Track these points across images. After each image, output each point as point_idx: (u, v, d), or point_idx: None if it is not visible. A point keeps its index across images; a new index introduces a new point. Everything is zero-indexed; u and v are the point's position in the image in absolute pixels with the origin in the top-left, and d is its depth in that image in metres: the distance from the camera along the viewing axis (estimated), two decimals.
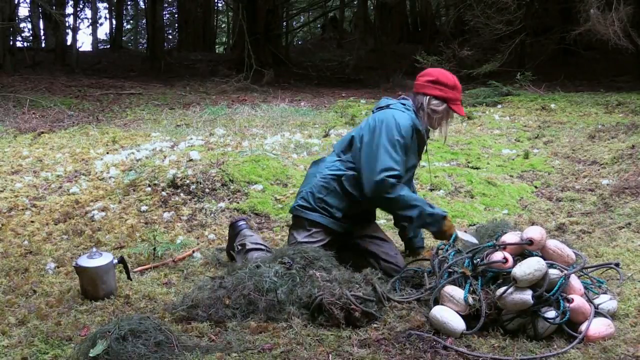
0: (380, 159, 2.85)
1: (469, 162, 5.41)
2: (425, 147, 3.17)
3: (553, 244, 2.57)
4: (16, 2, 15.89)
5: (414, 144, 3.01)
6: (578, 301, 2.37)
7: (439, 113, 3.01)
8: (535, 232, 2.53)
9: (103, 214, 3.96)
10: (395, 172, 2.83)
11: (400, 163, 2.87)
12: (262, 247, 3.09)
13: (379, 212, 3.58)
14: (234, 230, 3.26)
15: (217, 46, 25.66)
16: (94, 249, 2.89)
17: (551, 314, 2.32)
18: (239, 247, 3.10)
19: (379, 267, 2.99)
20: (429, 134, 3.22)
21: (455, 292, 2.47)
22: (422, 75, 3.08)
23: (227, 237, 3.67)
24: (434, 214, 2.89)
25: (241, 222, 3.29)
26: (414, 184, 3.40)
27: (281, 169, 4.70)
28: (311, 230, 3.02)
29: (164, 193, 4.22)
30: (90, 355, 2.09)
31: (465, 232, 3.10)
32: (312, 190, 3.04)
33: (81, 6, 19.62)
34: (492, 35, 10.87)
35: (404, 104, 3.05)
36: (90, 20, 21.67)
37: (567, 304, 2.34)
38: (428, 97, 3.00)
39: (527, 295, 2.32)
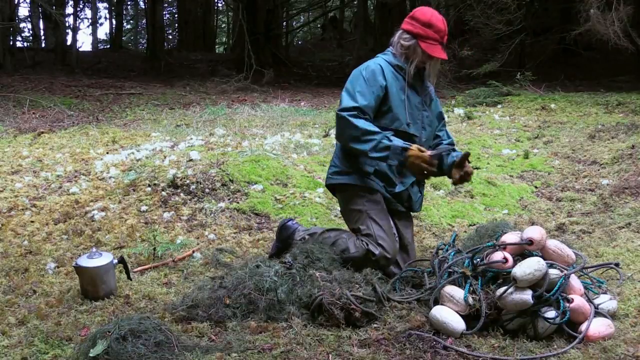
0: (341, 99, 2.88)
1: (468, 162, 5.40)
2: (426, 91, 3.07)
3: (553, 244, 2.57)
4: (16, 2, 15.89)
5: (395, 79, 2.93)
6: (578, 301, 2.37)
7: (407, 49, 2.93)
8: (535, 232, 2.53)
9: (103, 214, 3.96)
10: (352, 106, 2.80)
11: (363, 96, 2.82)
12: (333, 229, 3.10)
13: None
14: (287, 230, 3.18)
15: (217, 46, 25.64)
16: (94, 249, 2.89)
17: (551, 314, 2.32)
18: (307, 236, 3.06)
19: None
20: (424, 74, 3.05)
21: (455, 292, 2.47)
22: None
23: (226, 237, 3.68)
24: (391, 145, 2.73)
25: (291, 222, 3.24)
26: (445, 136, 3.22)
27: (281, 169, 4.70)
28: (365, 198, 2.96)
29: (164, 193, 4.22)
30: (90, 355, 2.09)
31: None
32: (336, 154, 3.09)
33: (81, 6, 19.62)
34: (492, 35, 10.88)
35: (384, 52, 3.06)
36: (90, 20, 21.68)
37: (567, 304, 2.34)
38: (400, 31, 2.99)
39: (527, 295, 2.32)
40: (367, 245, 2.89)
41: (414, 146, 2.76)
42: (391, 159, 2.78)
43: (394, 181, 3.00)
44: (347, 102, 2.85)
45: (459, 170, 2.96)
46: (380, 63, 2.96)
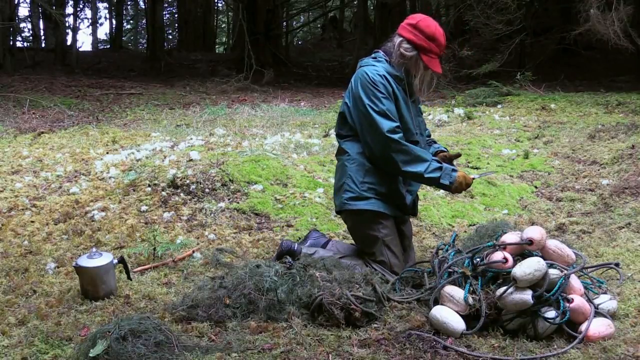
0: (377, 123, 2.79)
1: (469, 162, 5.41)
2: (415, 97, 3.05)
3: (553, 244, 2.57)
4: (16, 2, 15.89)
5: (398, 90, 2.90)
6: (578, 301, 2.37)
7: (408, 59, 2.87)
8: (535, 232, 2.53)
9: (103, 214, 3.96)
10: (396, 126, 2.80)
11: (394, 116, 2.82)
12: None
13: None
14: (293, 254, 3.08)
15: (217, 46, 25.65)
16: (94, 249, 2.89)
17: (551, 314, 2.32)
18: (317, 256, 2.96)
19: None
20: (414, 85, 3.02)
21: (455, 292, 2.47)
22: (408, 17, 2.97)
23: (226, 237, 3.67)
24: (442, 166, 2.81)
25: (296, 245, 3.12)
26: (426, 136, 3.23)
27: (281, 169, 4.70)
28: (382, 225, 2.93)
29: (164, 193, 4.22)
30: (90, 355, 2.09)
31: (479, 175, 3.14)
32: (351, 177, 2.94)
33: (81, 6, 19.63)
34: (492, 35, 10.88)
35: (374, 57, 2.98)
36: (90, 20, 21.70)
37: (567, 304, 2.34)
38: (401, 39, 2.88)
39: (527, 295, 2.32)
40: (382, 274, 2.89)
41: (460, 171, 2.86)
42: (443, 178, 2.81)
43: (403, 194, 2.99)
44: (387, 123, 2.79)
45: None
46: (383, 74, 2.87)
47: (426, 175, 2.80)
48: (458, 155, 3.04)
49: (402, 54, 2.88)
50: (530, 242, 2.51)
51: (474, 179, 2.91)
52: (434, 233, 3.82)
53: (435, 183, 2.85)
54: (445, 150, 3.13)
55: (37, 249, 3.41)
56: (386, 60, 2.93)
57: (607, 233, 3.58)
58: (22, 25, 19.69)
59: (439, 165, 2.82)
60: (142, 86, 11.75)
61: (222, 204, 4.11)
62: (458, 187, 2.85)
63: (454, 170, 2.83)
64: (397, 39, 2.91)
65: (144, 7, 23.65)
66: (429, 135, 3.24)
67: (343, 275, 2.64)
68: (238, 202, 4.16)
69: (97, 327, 2.36)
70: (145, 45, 22.55)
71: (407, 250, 3.11)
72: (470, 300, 2.42)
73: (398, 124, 2.82)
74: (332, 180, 4.62)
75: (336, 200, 3.04)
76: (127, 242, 3.54)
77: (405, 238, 3.10)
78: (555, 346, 2.29)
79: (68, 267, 3.13)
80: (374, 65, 2.92)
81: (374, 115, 2.81)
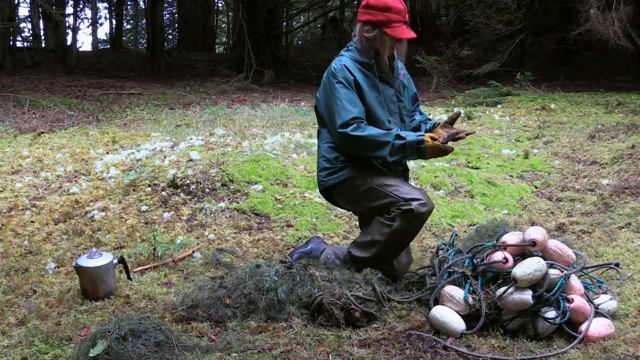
0: (334, 117, 2.75)
1: (469, 162, 5.41)
2: (398, 80, 2.96)
3: (553, 244, 2.57)
4: (16, 2, 15.89)
5: (364, 78, 2.81)
6: (578, 301, 2.37)
7: (372, 40, 2.78)
8: (537, 233, 2.53)
9: (103, 214, 3.96)
10: (349, 119, 2.70)
11: (352, 104, 2.73)
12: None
13: None
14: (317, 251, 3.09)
15: (217, 46, 25.65)
16: (94, 249, 2.89)
17: (551, 314, 2.32)
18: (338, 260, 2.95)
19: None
20: (394, 64, 2.95)
21: (455, 292, 2.47)
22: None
23: (226, 237, 3.67)
24: (406, 143, 2.67)
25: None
26: (418, 115, 3.12)
27: (281, 169, 4.70)
28: (361, 180, 2.82)
29: (164, 193, 4.22)
30: (90, 355, 2.09)
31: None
32: (323, 156, 2.91)
33: (81, 6, 19.63)
34: (492, 35, 10.88)
35: (346, 48, 2.93)
36: (90, 20, 21.70)
37: (567, 304, 2.34)
38: (360, 24, 2.82)
39: (527, 295, 2.32)
40: (399, 209, 2.70)
41: (427, 135, 2.70)
42: (410, 155, 2.72)
43: (377, 163, 2.89)
44: (341, 116, 2.72)
45: (445, 129, 2.82)
46: (344, 63, 2.81)
47: (390, 160, 2.72)
48: (457, 115, 2.86)
49: (364, 37, 2.81)
50: (534, 243, 2.50)
51: (444, 143, 2.70)
52: (434, 233, 3.82)
53: (405, 161, 2.80)
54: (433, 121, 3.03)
55: (37, 249, 3.41)
56: (356, 49, 2.87)
57: (607, 233, 3.58)
58: (22, 25, 19.70)
59: (401, 143, 2.68)
60: (142, 86, 11.75)
61: (222, 204, 4.11)
62: (432, 154, 2.70)
63: (419, 141, 2.67)
64: (357, 25, 2.87)
65: (144, 7, 23.66)
66: (427, 118, 3.12)
67: (343, 275, 2.64)
68: (238, 202, 4.16)
69: (97, 327, 2.36)
70: (145, 45, 22.56)
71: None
72: (470, 300, 2.42)
73: (354, 115, 2.72)
74: None
75: (318, 183, 3.03)
76: (127, 242, 3.54)
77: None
78: (555, 346, 2.29)
79: (68, 267, 3.13)
80: (341, 55, 2.89)
81: (331, 109, 2.79)
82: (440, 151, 2.70)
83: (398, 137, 2.69)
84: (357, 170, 2.85)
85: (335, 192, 2.96)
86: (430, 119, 3.10)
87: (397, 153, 2.70)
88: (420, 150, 2.69)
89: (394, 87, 2.93)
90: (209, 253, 3.35)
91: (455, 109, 2.93)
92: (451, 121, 2.83)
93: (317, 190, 4.41)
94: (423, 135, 2.71)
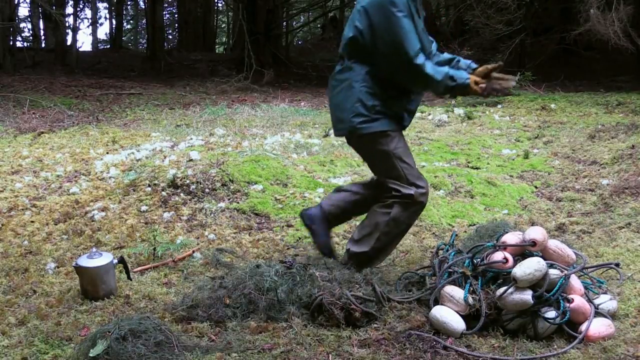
0: (401, 46, 2.70)
1: (469, 162, 5.41)
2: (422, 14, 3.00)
3: (553, 244, 2.57)
4: (16, 2, 15.89)
5: (414, 7, 2.82)
6: (578, 301, 2.37)
7: None
8: (537, 233, 2.53)
9: (103, 214, 3.96)
10: (418, 49, 2.72)
11: (415, 34, 2.74)
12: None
13: None
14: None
15: (217, 46, 25.64)
16: (94, 249, 2.89)
17: (551, 314, 2.33)
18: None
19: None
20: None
21: (455, 292, 2.47)
22: None
23: (226, 237, 3.67)
24: (456, 86, 2.77)
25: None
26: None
27: (281, 169, 4.70)
28: (389, 138, 2.84)
29: (164, 193, 4.22)
30: (90, 355, 2.09)
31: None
32: (361, 99, 2.82)
33: (81, 6, 19.63)
34: (492, 35, 10.89)
35: None
36: (90, 20, 21.69)
37: (567, 304, 2.34)
38: None
39: (527, 296, 2.32)
40: (399, 191, 2.80)
41: (471, 79, 2.79)
42: (454, 95, 2.90)
43: (403, 116, 2.95)
44: (411, 46, 2.69)
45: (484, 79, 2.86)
46: None
47: (437, 93, 2.97)
48: (498, 66, 2.91)
49: None
50: (534, 243, 2.50)
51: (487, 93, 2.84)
52: (434, 233, 3.82)
53: (456, 91, 2.85)
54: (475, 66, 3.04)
55: (37, 249, 3.41)
56: None
57: (607, 233, 3.58)
58: (22, 25, 19.69)
59: (453, 85, 2.77)
60: (142, 86, 11.75)
61: (222, 204, 4.11)
62: (470, 94, 2.84)
63: (465, 85, 2.78)
64: None
65: (144, 7, 23.64)
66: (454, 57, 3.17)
67: (343, 275, 2.64)
68: (238, 202, 4.16)
69: (97, 327, 2.36)
70: (145, 45, 22.55)
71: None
72: (470, 300, 2.42)
73: (420, 46, 2.75)
74: (332, 181, 4.63)
75: (341, 123, 2.92)
76: (127, 242, 3.54)
77: None
78: (555, 346, 2.29)
79: (68, 267, 3.13)
80: None
81: (395, 39, 2.72)
82: (477, 94, 2.84)
83: (451, 78, 2.77)
84: (388, 127, 2.86)
85: (360, 139, 2.92)
86: (459, 58, 3.11)
87: (445, 92, 2.83)
88: (465, 92, 2.82)
89: (422, 20, 2.96)
90: (209, 253, 3.35)
91: (494, 64, 2.99)
92: (492, 69, 2.86)
93: (317, 190, 4.42)
94: (469, 78, 2.79)
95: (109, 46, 23.03)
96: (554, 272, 2.40)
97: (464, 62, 3.02)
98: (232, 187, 4.32)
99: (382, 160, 2.88)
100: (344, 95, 2.87)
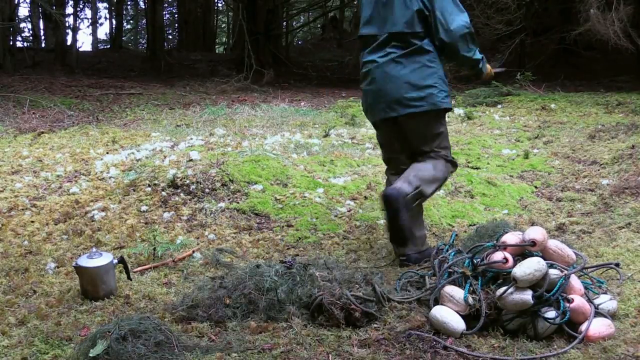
0: (461, 14, 3.00)
1: (469, 162, 5.41)
2: None
3: (553, 244, 2.57)
4: (16, 2, 15.89)
5: None
6: (578, 301, 2.37)
7: None
8: (537, 233, 2.53)
9: (103, 214, 3.96)
10: (469, 22, 3.04)
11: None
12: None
13: None
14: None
15: (217, 46, 25.63)
16: (94, 249, 2.89)
17: (551, 314, 2.32)
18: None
19: None
20: None
21: (455, 292, 2.47)
22: None
23: (226, 237, 3.67)
24: (483, 67, 3.22)
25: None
26: None
27: (281, 169, 4.70)
28: (442, 119, 3.24)
29: (164, 193, 4.22)
30: (90, 355, 2.09)
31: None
32: (441, 77, 3.10)
33: (81, 6, 19.61)
34: (492, 35, 10.87)
35: None
36: (90, 20, 21.68)
37: (567, 304, 2.34)
38: None
39: (527, 296, 2.32)
40: (447, 156, 3.20)
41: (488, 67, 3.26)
42: (476, 72, 3.25)
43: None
44: (464, 16, 3.01)
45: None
46: None
47: (472, 71, 3.26)
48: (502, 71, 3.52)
49: None
50: (534, 243, 2.50)
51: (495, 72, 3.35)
52: (434, 233, 3.82)
53: (478, 70, 3.24)
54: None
55: (37, 249, 3.41)
56: None
57: (607, 233, 3.58)
58: (22, 25, 19.67)
59: (484, 62, 3.22)
60: (142, 86, 11.74)
61: (222, 204, 4.11)
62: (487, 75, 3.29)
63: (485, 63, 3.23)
64: None
65: (144, 7, 23.64)
66: None
67: (343, 275, 2.64)
68: (238, 202, 4.16)
69: (97, 327, 2.36)
70: (145, 45, 22.54)
71: None
72: (470, 300, 2.42)
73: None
74: (332, 181, 4.63)
75: (423, 101, 3.06)
76: (127, 242, 3.54)
77: None
78: (555, 346, 2.29)
79: (68, 267, 3.13)
80: None
81: (455, 7, 3.01)
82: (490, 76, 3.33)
83: (483, 59, 3.19)
84: (444, 106, 3.15)
85: (437, 115, 3.18)
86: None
87: (477, 66, 3.18)
88: (485, 66, 3.24)
89: None
90: (209, 253, 3.35)
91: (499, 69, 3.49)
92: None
93: (317, 190, 4.41)
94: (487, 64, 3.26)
95: (109, 46, 23.01)
96: (554, 272, 2.40)
97: None
98: (232, 187, 4.32)
99: (441, 134, 3.21)
100: (419, 75, 3.06)
